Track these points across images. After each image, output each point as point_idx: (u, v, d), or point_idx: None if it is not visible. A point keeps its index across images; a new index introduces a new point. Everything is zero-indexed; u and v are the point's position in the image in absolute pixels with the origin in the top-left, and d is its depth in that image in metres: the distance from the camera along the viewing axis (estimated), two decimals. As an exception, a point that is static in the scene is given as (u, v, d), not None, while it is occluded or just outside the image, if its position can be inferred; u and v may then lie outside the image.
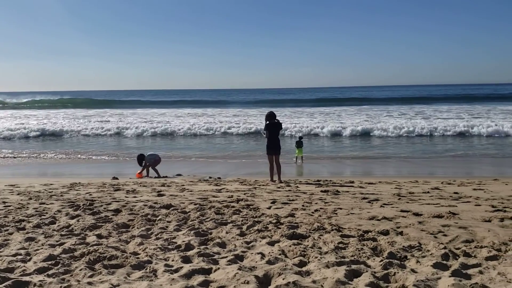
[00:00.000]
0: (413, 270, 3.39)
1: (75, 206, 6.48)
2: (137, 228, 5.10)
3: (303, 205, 6.47)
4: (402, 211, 5.92)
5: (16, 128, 25.17)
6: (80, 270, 3.51)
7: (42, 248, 4.21)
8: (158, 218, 5.57)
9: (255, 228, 4.94)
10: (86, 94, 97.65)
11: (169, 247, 4.22)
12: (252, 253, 3.91)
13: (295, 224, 5.10)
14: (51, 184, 9.39)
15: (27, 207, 6.47)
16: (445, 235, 4.54)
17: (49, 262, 3.70)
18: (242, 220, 5.38)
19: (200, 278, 3.29)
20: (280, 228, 4.88)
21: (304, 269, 3.47)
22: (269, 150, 10.09)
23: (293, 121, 27.14)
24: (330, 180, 9.70)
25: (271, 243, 4.28)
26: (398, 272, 3.27)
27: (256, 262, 3.68)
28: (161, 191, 8.24)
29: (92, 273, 3.46)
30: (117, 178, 10.51)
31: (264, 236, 4.59)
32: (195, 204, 6.56)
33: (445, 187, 8.46)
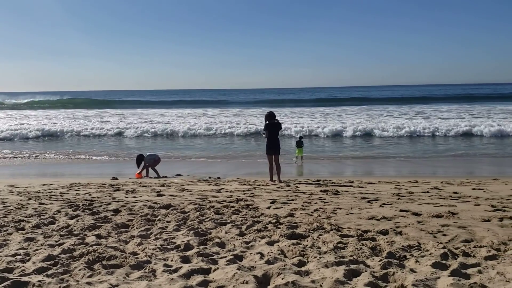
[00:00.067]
0: (412, 270, 3.39)
1: (75, 206, 6.48)
2: (137, 228, 5.10)
3: (302, 205, 6.47)
4: (401, 210, 5.92)
5: (16, 128, 25.17)
6: (79, 270, 3.51)
7: (41, 248, 4.21)
8: (157, 218, 5.57)
9: (255, 228, 4.94)
10: (86, 94, 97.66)
11: (168, 247, 4.22)
12: (251, 253, 3.91)
13: (295, 224, 5.10)
14: (51, 184, 9.39)
15: (27, 207, 6.47)
16: (444, 235, 4.54)
17: (48, 262, 3.70)
18: (241, 220, 5.38)
19: (199, 278, 3.29)
20: (279, 228, 4.88)
21: (303, 269, 3.47)
22: (268, 150, 10.09)
23: (294, 121, 27.15)
24: (330, 180, 9.70)
25: (271, 243, 4.28)
26: (397, 272, 3.27)
27: (255, 262, 3.68)
28: (160, 191, 8.24)
29: (91, 273, 3.46)
30: (116, 178, 10.51)
31: (263, 236, 4.59)
32: (195, 204, 6.56)
33: (445, 186, 8.46)
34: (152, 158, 11.54)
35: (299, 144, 14.10)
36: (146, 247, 4.20)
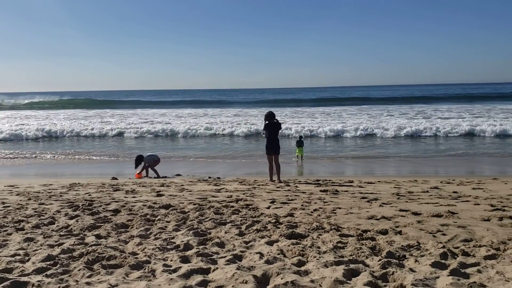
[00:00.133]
0: (411, 270, 3.39)
1: (74, 206, 6.48)
2: (136, 228, 5.10)
3: (302, 205, 6.46)
4: (401, 210, 5.92)
5: (16, 128, 25.17)
6: (79, 270, 3.51)
7: (40, 249, 4.21)
8: (157, 218, 5.57)
9: (254, 228, 4.94)
10: (86, 95, 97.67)
11: (168, 247, 4.22)
12: (251, 253, 3.91)
13: (294, 224, 5.10)
14: (51, 185, 9.39)
15: (26, 208, 6.47)
16: (444, 234, 4.54)
17: (48, 263, 3.70)
18: (241, 220, 5.38)
19: (198, 278, 3.29)
20: (279, 228, 4.88)
21: (302, 268, 3.47)
22: (268, 150, 10.09)
23: (294, 121, 27.16)
24: (330, 180, 9.70)
25: (270, 243, 4.28)
26: (396, 272, 3.27)
27: (254, 261, 3.68)
28: (160, 191, 8.24)
29: (90, 273, 3.46)
30: (116, 179, 10.51)
31: (263, 236, 4.58)
32: (194, 204, 6.57)
33: (444, 186, 8.46)
34: (152, 158, 11.54)
35: (299, 143, 14.12)
36: (145, 247, 4.20)
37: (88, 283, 3.22)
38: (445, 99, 53.47)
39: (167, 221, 5.42)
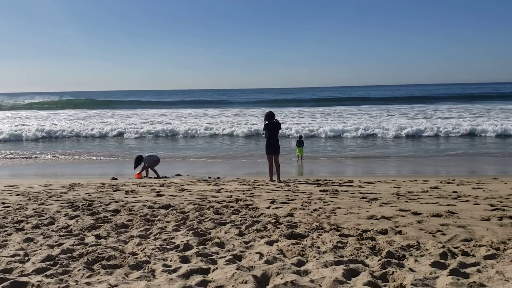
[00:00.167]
0: (411, 269, 3.39)
1: (74, 206, 6.48)
2: (136, 228, 5.10)
3: (302, 205, 6.46)
4: (401, 210, 5.92)
5: (16, 129, 25.16)
6: (79, 270, 3.51)
7: (40, 249, 4.21)
8: (157, 218, 5.57)
9: (254, 228, 4.94)
10: (86, 95, 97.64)
11: (168, 247, 4.22)
12: (251, 253, 3.91)
13: (294, 224, 5.10)
14: (50, 185, 9.39)
15: (26, 208, 6.47)
16: (443, 234, 4.54)
17: (48, 263, 3.70)
18: (241, 220, 5.38)
19: (198, 278, 3.29)
20: (279, 228, 4.88)
21: (302, 268, 3.47)
22: (268, 150, 10.09)
23: (294, 121, 27.16)
24: (329, 180, 9.70)
25: (270, 243, 4.28)
26: (396, 271, 3.27)
27: (254, 261, 3.68)
28: (160, 191, 8.24)
29: (90, 273, 3.46)
30: (116, 179, 10.51)
31: (262, 236, 4.58)
32: (194, 204, 6.57)
33: (444, 186, 8.46)
34: (152, 158, 11.54)
35: (299, 143, 14.14)
36: (145, 247, 4.20)
37: (87, 283, 3.22)
38: (445, 99, 53.45)
39: (167, 221, 5.42)
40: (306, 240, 4.35)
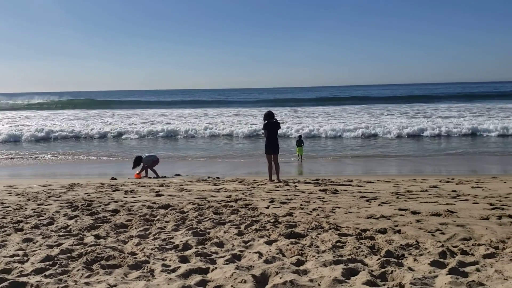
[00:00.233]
0: (410, 268, 3.39)
1: (73, 206, 6.48)
2: (135, 228, 5.10)
3: (301, 204, 6.46)
4: (400, 209, 5.92)
5: (15, 129, 25.15)
6: (78, 270, 3.51)
7: (39, 249, 4.21)
8: (156, 218, 5.57)
9: (253, 227, 4.94)
10: (86, 95, 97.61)
11: (167, 247, 4.22)
12: (250, 253, 3.91)
13: (293, 223, 5.10)
14: (50, 185, 9.39)
15: (25, 208, 6.47)
16: (442, 233, 4.54)
17: (47, 263, 3.70)
18: (240, 220, 5.38)
19: (197, 278, 3.29)
20: (278, 227, 4.88)
21: (301, 268, 3.47)
22: (268, 150, 10.09)
23: (295, 121, 27.16)
24: (329, 179, 9.70)
25: (269, 242, 4.28)
26: (395, 271, 3.27)
27: (253, 261, 3.68)
28: (159, 191, 8.24)
29: (89, 273, 3.46)
30: (115, 179, 10.51)
31: (262, 236, 4.58)
32: (194, 204, 6.56)
33: (444, 185, 8.46)
34: (151, 159, 11.54)
35: (299, 143, 14.15)
36: (144, 247, 4.20)
37: (87, 283, 3.22)
38: (444, 98, 53.49)
39: (166, 221, 5.41)
40: (305, 240, 4.35)
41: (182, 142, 21.04)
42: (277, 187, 8.71)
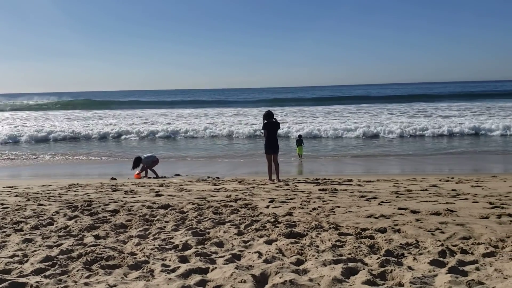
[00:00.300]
0: (410, 268, 3.39)
1: (73, 207, 6.47)
2: (135, 228, 5.10)
3: (301, 204, 6.46)
4: (400, 208, 5.92)
5: (15, 130, 25.13)
6: (77, 270, 3.50)
7: (39, 249, 4.21)
8: (156, 218, 5.57)
9: (253, 227, 4.94)
10: (85, 95, 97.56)
11: (167, 247, 4.22)
12: (250, 252, 3.92)
13: (293, 223, 5.10)
14: (49, 185, 9.39)
15: (25, 209, 6.47)
16: (442, 232, 4.54)
17: (46, 263, 3.70)
18: (240, 220, 5.38)
19: (197, 278, 3.29)
20: (278, 227, 4.88)
21: (301, 267, 3.47)
22: (267, 150, 10.09)
23: (295, 120, 27.15)
24: (329, 179, 9.70)
25: (269, 242, 4.28)
26: (395, 270, 3.27)
27: (253, 261, 3.68)
28: (159, 191, 8.24)
29: (89, 273, 3.46)
30: (115, 179, 10.51)
31: (261, 235, 4.58)
32: (193, 204, 6.56)
33: (443, 184, 8.46)
34: (150, 159, 11.54)
35: (299, 142, 14.16)
36: (144, 247, 4.20)
37: (86, 284, 3.22)
38: (444, 97, 53.47)
39: (166, 221, 5.41)
40: (305, 239, 4.35)
41: (182, 142, 21.04)
42: (277, 186, 8.71)
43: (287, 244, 4.11)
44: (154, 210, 6.15)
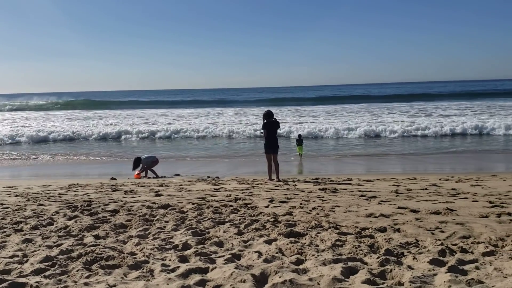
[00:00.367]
0: (409, 267, 3.39)
1: (73, 207, 6.48)
2: (135, 228, 5.10)
3: (301, 203, 6.46)
4: (399, 208, 5.92)
5: (15, 130, 25.13)
6: (77, 271, 3.51)
7: (39, 250, 4.21)
8: (155, 218, 5.57)
9: (253, 227, 4.94)
10: (85, 95, 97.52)
11: (166, 247, 4.22)
12: (249, 252, 3.91)
13: (293, 223, 5.10)
14: (49, 186, 9.39)
15: (25, 209, 6.47)
16: (442, 231, 4.55)
17: (46, 263, 3.70)
18: (239, 219, 5.38)
19: (197, 278, 3.29)
20: (277, 227, 4.88)
21: (301, 267, 3.47)
22: (267, 149, 10.09)
23: (296, 120, 27.15)
24: (328, 178, 9.70)
25: (269, 242, 4.28)
26: (394, 269, 3.28)
27: (253, 260, 3.68)
28: (159, 191, 8.24)
29: (89, 273, 3.46)
30: (115, 179, 10.51)
31: (261, 235, 4.58)
32: (193, 204, 6.56)
33: (443, 183, 8.46)
34: (150, 160, 11.54)
35: (299, 142, 14.16)
36: (144, 247, 4.20)
37: (86, 284, 3.22)
38: (444, 96, 53.46)
39: (165, 221, 5.42)
40: (305, 239, 4.35)
41: (182, 142, 21.03)
42: (277, 186, 8.71)
43: (287, 244, 4.11)
44: (154, 210, 6.15)
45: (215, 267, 3.50)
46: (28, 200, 7.31)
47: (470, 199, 6.52)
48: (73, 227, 5.16)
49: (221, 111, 37.82)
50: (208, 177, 10.64)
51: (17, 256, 4.00)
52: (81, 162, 15.42)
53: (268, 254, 3.81)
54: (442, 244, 3.97)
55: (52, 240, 4.61)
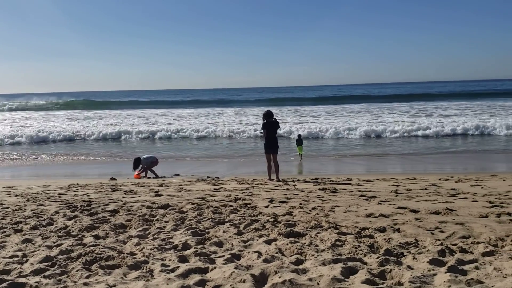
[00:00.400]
0: (409, 267, 3.39)
1: (73, 207, 6.48)
2: (134, 228, 5.10)
3: (300, 204, 6.46)
4: (399, 208, 5.92)
5: (15, 130, 25.12)
6: (77, 271, 3.50)
7: (39, 250, 4.21)
8: (155, 218, 5.57)
9: (253, 227, 4.94)
10: (85, 95, 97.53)
11: (166, 247, 4.22)
12: (249, 252, 3.91)
13: (293, 223, 5.10)
14: (49, 186, 9.39)
15: (25, 209, 6.47)
16: (442, 231, 4.55)
17: (46, 264, 3.70)
18: (239, 219, 5.38)
19: (196, 278, 3.29)
20: (277, 227, 4.88)
21: (300, 267, 3.47)
22: (267, 149, 10.09)
23: (295, 120, 27.14)
24: (328, 178, 9.70)
25: (268, 242, 4.28)
26: (394, 269, 3.27)
27: (252, 260, 3.68)
28: (158, 191, 8.24)
29: (88, 273, 3.45)
30: (115, 179, 10.51)
31: (261, 235, 4.58)
32: (193, 204, 6.56)
33: (443, 183, 8.46)
34: (149, 160, 11.54)
35: (299, 142, 14.17)
36: (143, 247, 4.20)
37: (86, 284, 3.22)
38: (444, 96, 53.46)
39: (165, 221, 5.42)
40: (305, 239, 4.35)
41: (182, 142, 21.03)
42: (277, 186, 8.71)
43: (287, 244, 4.11)
44: (153, 210, 6.15)
45: (215, 267, 3.50)
46: (28, 200, 7.31)
47: (469, 199, 6.52)
48: (72, 227, 5.16)
49: (221, 111, 37.81)
50: (208, 177, 10.65)
51: (17, 256, 3.99)
52: (81, 162, 15.42)
53: (267, 254, 3.81)
54: (441, 244, 3.97)
55: (51, 240, 4.61)
